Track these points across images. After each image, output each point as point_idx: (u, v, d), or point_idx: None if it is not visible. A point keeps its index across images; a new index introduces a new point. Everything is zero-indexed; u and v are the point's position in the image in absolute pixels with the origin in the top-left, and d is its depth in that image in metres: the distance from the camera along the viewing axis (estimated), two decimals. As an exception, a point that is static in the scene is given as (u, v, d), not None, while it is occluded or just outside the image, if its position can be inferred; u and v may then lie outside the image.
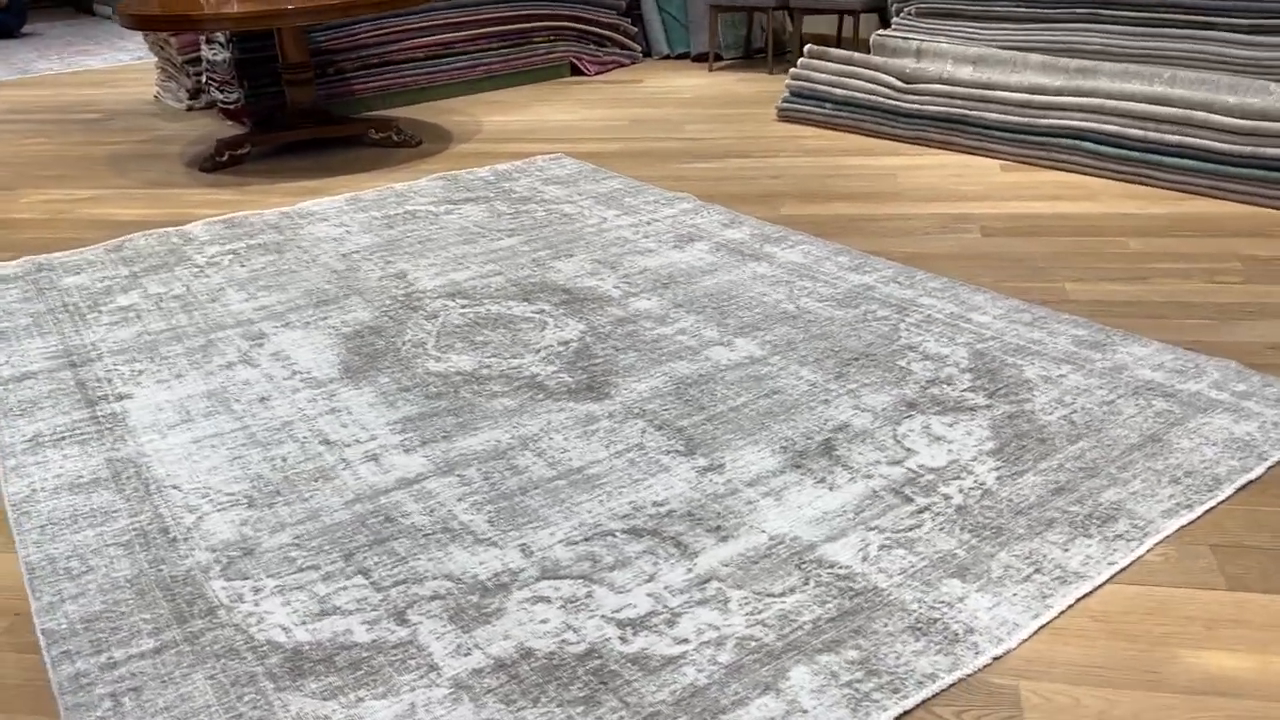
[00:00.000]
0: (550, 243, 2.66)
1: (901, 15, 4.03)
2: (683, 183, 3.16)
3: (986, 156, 3.25)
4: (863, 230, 2.65)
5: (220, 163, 3.59)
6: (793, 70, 3.84)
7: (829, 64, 3.73)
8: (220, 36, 4.08)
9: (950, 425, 1.68)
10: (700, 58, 5.32)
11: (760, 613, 1.27)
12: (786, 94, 3.88)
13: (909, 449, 1.62)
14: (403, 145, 3.79)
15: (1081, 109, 2.99)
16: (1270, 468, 1.53)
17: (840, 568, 1.34)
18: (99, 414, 1.85)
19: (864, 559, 1.36)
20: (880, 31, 3.91)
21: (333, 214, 2.99)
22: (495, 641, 1.24)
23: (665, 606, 1.29)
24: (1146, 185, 2.87)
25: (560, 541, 1.43)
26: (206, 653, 1.24)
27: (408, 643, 1.25)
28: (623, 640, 1.24)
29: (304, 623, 1.29)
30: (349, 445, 1.71)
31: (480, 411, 1.80)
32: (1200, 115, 2.74)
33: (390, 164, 3.56)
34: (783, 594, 1.30)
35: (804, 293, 2.25)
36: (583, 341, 2.06)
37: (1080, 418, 1.68)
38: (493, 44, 4.77)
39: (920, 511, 1.46)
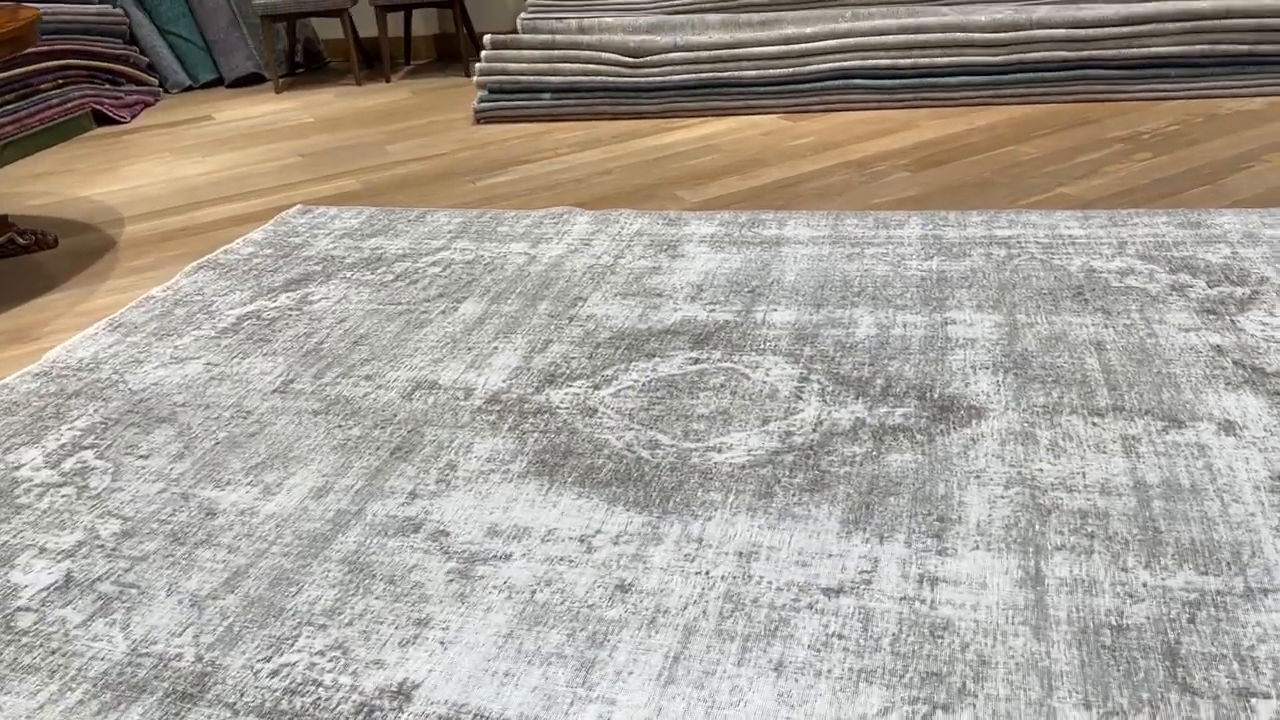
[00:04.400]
0: (526, 295, 2.05)
1: (538, -4, 3.79)
2: (514, 200, 2.65)
3: (756, 114, 3.24)
4: (799, 195, 2.48)
5: None
6: (481, 67, 3.40)
7: (527, 53, 3.37)
8: None
9: (1271, 314, 1.69)
10: (241, 82, 4.44)
11: None
12: (483, 94, 3.43)
13: (1301, 345, 1.59)
14: (35, 249, 2.59)
15: (845, 49, 3.12)
16: None
17: None
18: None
19: None
20: (525, 14, 3.64)
21: (132, 352, 1.95)
22: None
23: None
24: (930, 107, 3.11)
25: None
26: None
27: None
28: None
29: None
30: (867, 580, 1.17)
31: (900, 479, 1.35)
32: (963, 36, 3.03)
33: (59, 277, 2.41)
34: None
35: (892, 258, 2.05)
36: (819, 370, 1.65)
37: (1323, 277, 1.80)
38: (-5, 101, 3.45)
39: None
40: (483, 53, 3.41)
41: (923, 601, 1.13)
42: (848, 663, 1.06)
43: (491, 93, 3.42)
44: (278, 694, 1.09)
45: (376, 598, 1.22)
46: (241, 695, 1.09)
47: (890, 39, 3.08)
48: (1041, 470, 1.34)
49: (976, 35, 3.02)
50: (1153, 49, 2.93)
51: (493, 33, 3.46)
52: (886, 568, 1.19)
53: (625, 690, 1.05)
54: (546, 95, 3.36)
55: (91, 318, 2.15)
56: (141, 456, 1.58)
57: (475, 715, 1.04)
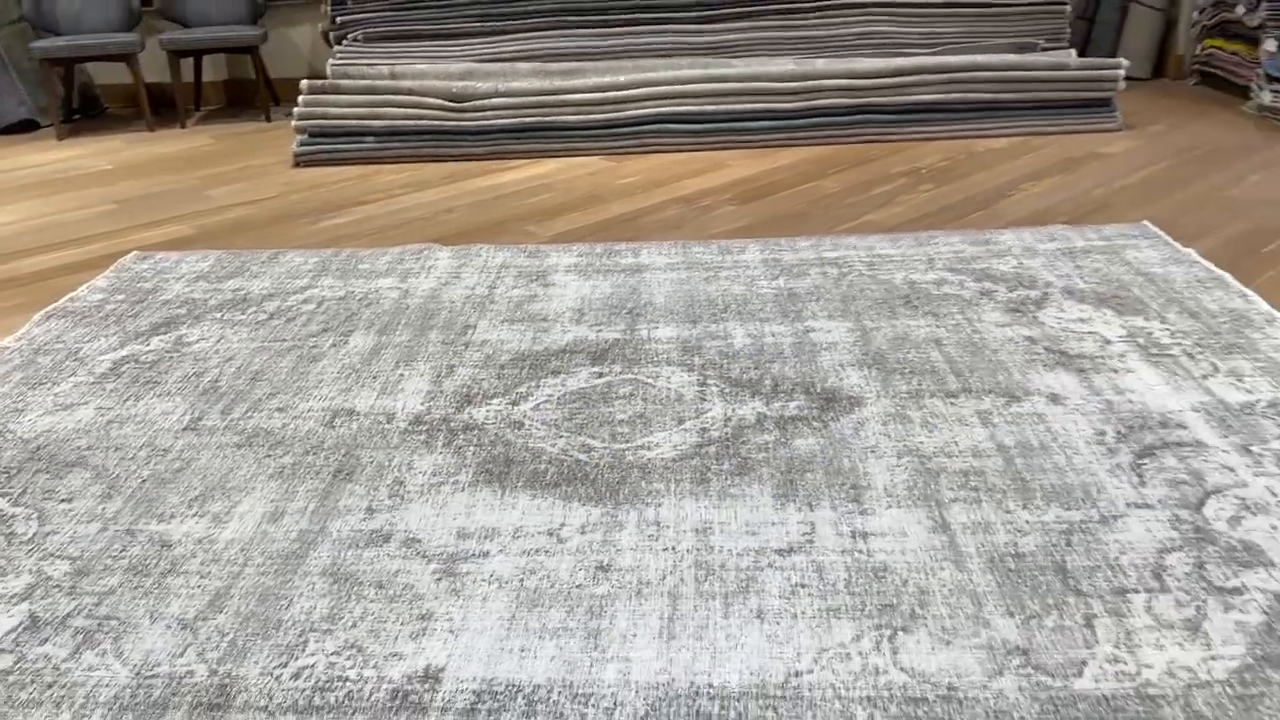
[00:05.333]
0: (413, 325, 2.14)
1: (345, 42, 3.85)
2: (364, 239, 2.71)
3: (578, 155, 3.44)
4: (643, 228, 2.70)
5: None
6: (299, 111, 3.42)
7: (347, 97, 3.42)
8: None
9: (1062, 310, 2.05)
10: (12, 129, 4.17)
11: (1307, 445, 1.55)
12: (303, 138, 3.43)
13: (1100, 335, 1.95)
14: None
15: (658, 96, 3.39)
16: None
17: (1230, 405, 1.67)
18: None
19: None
20: (335, 61, 3.70)
21: (6, 402, 1.87)
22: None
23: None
24: (735, 148, 3.43)
25: None
26: None
27: None
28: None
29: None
30: (810, 540, 1.37)
31: (810, 459, 1.57)
32: (762, 85, 3.38)
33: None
34: (1285, 431, 1.59)
35: (744, 279, 2.30)
36: (713, 375, 1.85)
37: (1140, 271, 2.21)
38: None
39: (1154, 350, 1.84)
40: (301, 97, 3.42)
41: (861, 552, 1.35)
42: (815, 605, 1.25)
43: (312, 136, 3.44)
44: (308, 692, 1.15)
45: (372, 601, 1.30)
46: (270, 698, 1.14)
47: (695, 87, 3.38)
48: (922, 443, 1.60)
49: (770, 84, 3.37)
50: (918, 96, 3.39)
51: (300, 78, 3.48)
52: (823, 529, 1.40)
53: (635, 649, 1.19)
54: (369, 139, 3.42)
55: (-66, 372, 2.03)
56: (64, 500, 1.55)
57: (507, 685, 1.15)
